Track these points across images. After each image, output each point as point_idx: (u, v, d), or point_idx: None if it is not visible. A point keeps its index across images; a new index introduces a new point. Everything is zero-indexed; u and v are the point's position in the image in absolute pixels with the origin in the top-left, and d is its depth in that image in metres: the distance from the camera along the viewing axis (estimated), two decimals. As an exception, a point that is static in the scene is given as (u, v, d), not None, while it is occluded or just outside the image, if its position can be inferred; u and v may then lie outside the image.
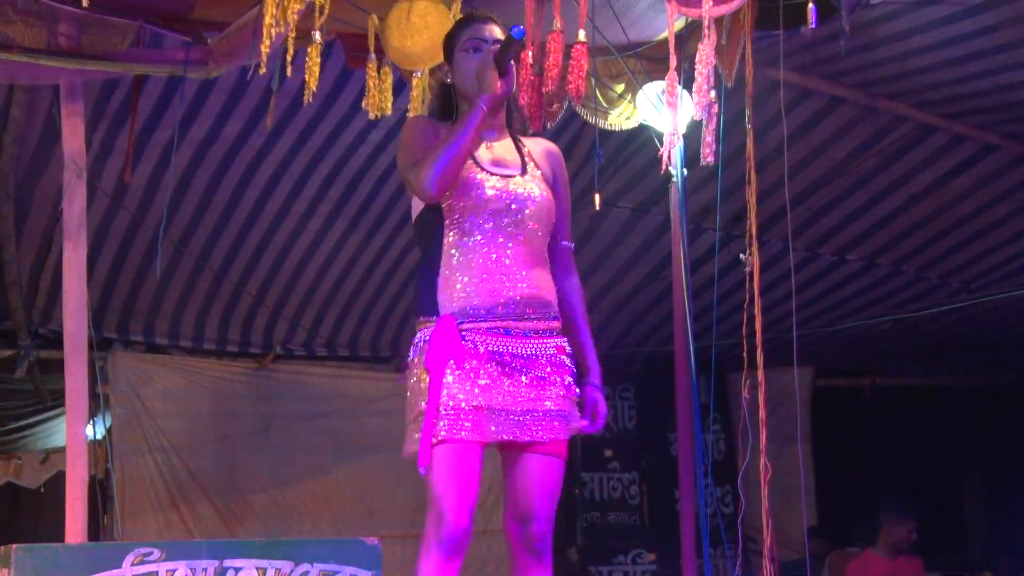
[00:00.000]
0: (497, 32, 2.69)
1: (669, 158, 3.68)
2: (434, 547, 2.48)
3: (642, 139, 5.44)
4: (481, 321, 2.54)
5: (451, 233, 2.60)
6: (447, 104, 2.72)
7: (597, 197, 4.90)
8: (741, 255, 3.89)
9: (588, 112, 4.76)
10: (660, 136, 4.56)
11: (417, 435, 2.48)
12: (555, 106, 4.33)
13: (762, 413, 3.70)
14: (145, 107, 5.10)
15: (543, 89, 3.47)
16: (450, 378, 2.49)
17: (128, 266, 6.04)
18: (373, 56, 4.00)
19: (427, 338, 2.55)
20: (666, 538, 6.90)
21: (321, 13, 3.62)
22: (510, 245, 2.58)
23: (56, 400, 6.11)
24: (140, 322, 6.40)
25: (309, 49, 3.75)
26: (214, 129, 5.40)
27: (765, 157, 4.63)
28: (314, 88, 3.76)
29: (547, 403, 2.56)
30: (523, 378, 2.55)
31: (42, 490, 6.27)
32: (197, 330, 6.57)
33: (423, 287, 2.62)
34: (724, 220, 5.30)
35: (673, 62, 3.47)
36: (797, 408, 5.42)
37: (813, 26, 3.60)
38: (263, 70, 3.60)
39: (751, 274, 3.80)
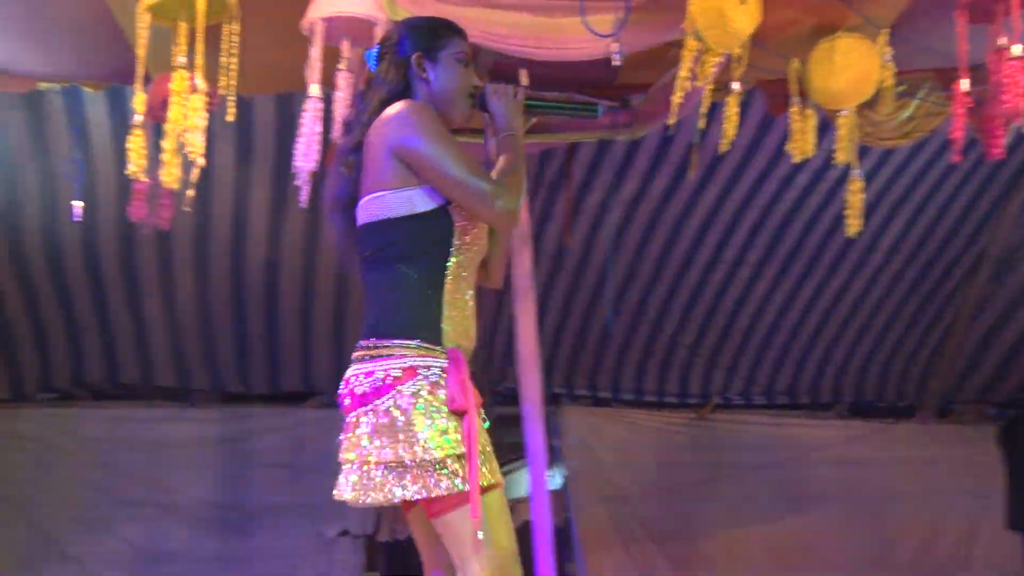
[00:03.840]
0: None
1: None
2: None
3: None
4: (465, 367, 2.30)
5: (458, 254, 2.31)
6: (405, 89, 2.38)
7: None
8: None
9: (1042, 131, 4.38)
10: None
11: (455, 479, 2.20)
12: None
13: None
14: (578, 172, 5.39)
15: (984, 112, 3.24)
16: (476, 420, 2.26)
17: (571, 323, 6.35)
18: (797, 99, 3.96)
19: (440, 370, 2.25)
20: None
21: (739, 63, 3.64)
22: (473, 284, 2.40)
23: (515, 453, 6.51)
24: (584, 377, 6.68)
25: (728, 99, 3.78)
26: (642, 187, 5.59)
27: None
28: (732, 136, 3.76)
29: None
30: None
31: (513, 538, 6.74)
32: (637, 383, 6.75)
33: (420, 305, 2.28)
34: None
35: None
36: None
37: None
38: (672, 120, 3.58)
39: None
